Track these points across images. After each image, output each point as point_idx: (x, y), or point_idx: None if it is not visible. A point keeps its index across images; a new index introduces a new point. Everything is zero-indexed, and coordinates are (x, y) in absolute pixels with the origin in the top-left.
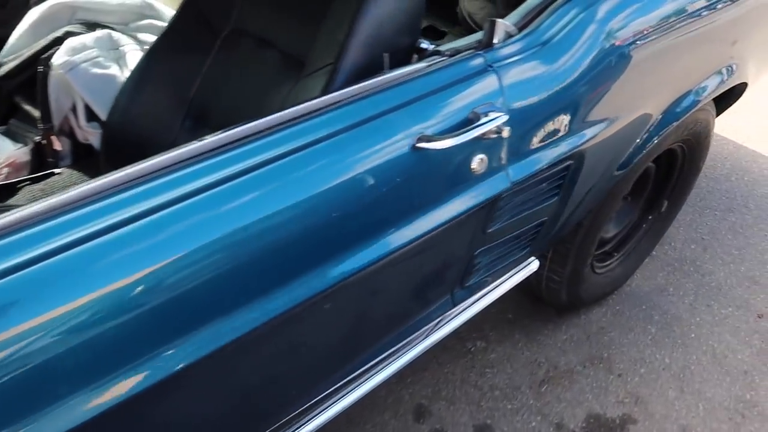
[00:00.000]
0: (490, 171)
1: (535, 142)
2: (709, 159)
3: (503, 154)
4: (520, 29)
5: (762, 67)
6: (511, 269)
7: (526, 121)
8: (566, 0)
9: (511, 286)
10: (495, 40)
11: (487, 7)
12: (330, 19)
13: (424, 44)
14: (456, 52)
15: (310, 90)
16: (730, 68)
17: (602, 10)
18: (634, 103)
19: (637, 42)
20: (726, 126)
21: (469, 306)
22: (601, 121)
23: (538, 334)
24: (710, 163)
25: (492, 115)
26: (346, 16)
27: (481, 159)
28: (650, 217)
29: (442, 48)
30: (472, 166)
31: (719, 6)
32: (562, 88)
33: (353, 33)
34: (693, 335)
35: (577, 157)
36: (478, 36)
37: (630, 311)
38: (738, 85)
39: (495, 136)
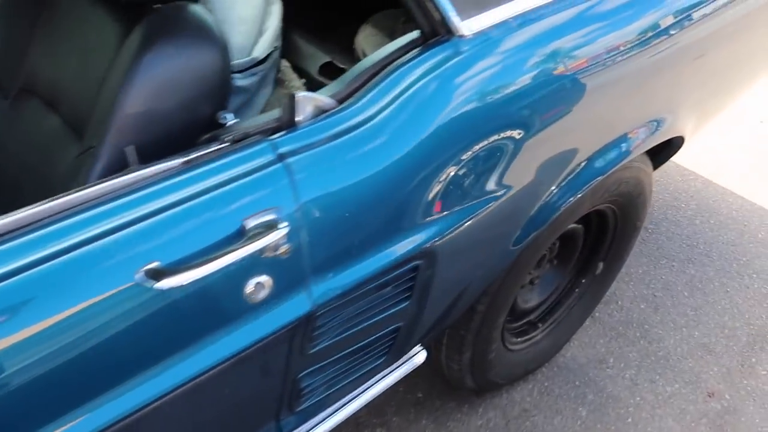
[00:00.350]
0: (278, 295)
1: (351, 250)
2: (674, 198)
3: (298, 272)
4: (341, 101)
5: (701, 120)
6: (374, 376)
7: (333, 226)
8: (410, 59)
9: (388, 386)
10: (299, 118)
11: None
12: (108, 81)
13: (225, 118)
14: (244, 135)
15: (73, 178)
16: (659, 121)
17: (470, 68)
18: (518, 176)
19: (525, 100)
20: (695, 159)
21: (321, 421)
22: (468, 206)
23: (450, 419)
24: (674, 203)
25: (270, 227)
26: (117, 81)
27: (260, 283)
28: (584, 281)
29: (228, 128)
30: (246, 293)
31: (646, 50)
32: (395, 177)
33: (119, 106)
34: (630, 420)
35: (428, 256)
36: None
37: (560, 388)
38: (674, 139)
39: (273, 254)
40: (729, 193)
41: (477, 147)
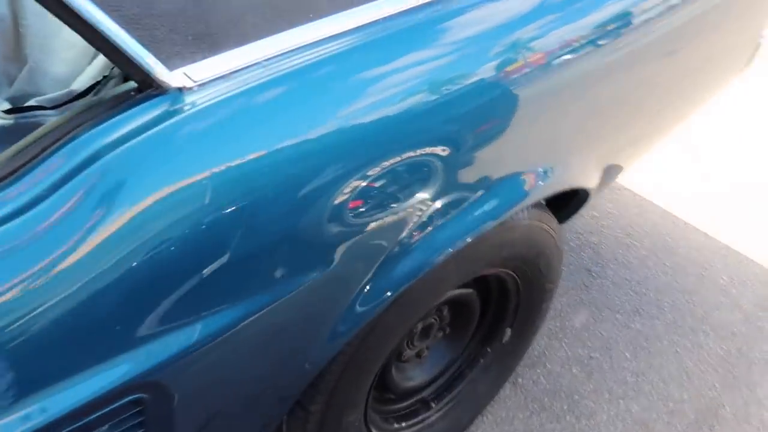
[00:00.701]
0: None
1: None
2: (626, 234)
3: None
4: None
5: (613, 166)
6: None
7: None
8: (109, 117)
9: None
10: None
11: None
12: None
13: None
14: None
15: None
16: (545, 172)
17: (193, 130)
18: (312, 264)
19: (292, 163)
20: (655, 186)
21: None
22: (225, 310)
23: None
24: (626, 240)
25: None
26: None
27: None
28: (489, 350)
29: None
30: None
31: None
32: (73, 286)
33: None
34: None
35: (156, 386)
36: None
37: None
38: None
39: None
40: (691, 229)
41: (224, 232)
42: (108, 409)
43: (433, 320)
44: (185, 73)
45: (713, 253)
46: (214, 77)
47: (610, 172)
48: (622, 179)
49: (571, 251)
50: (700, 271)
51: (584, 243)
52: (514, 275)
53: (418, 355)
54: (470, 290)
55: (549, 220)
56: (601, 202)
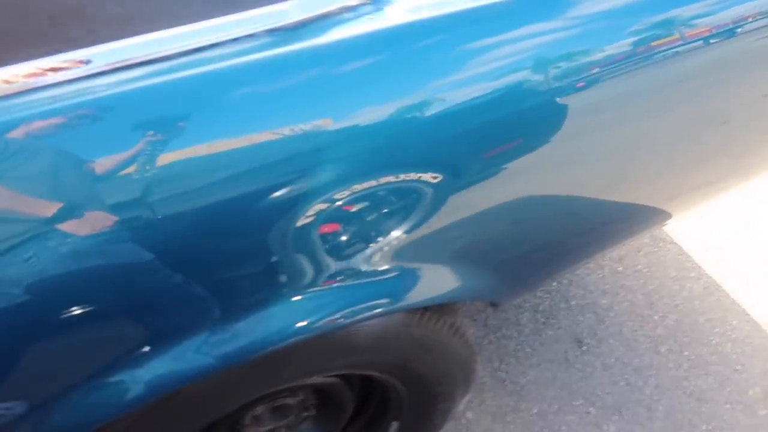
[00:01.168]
0: None
1: None
2: (648, 304)
3: None
4: None
5: (657, 212)
6: None
7: None
8: None
9: None
10: None
11: None
12: None
13: None
14: None
15: None
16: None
17: None
18: None
19: None
20: (713, 248)
21: None
22: None
23: None
24: (645, 311)
25: None
26: None
27: None
28: None
29: None
30: None
31: None
32: None
33: None
34: None
35: None
36: None
37: None
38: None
39: None
40: (739, 313)
41: None
42: None
43: (289, 401)
44: None
45: (758, 351)
46: None
47: (653, 218)
48: (669, 229)
49: (568, 311)
50: (728, 372)
51: (589, 304)
52: (386, 377)
53: None
54: (334, 380)
55: (425, 324)
56: (632, 254)
